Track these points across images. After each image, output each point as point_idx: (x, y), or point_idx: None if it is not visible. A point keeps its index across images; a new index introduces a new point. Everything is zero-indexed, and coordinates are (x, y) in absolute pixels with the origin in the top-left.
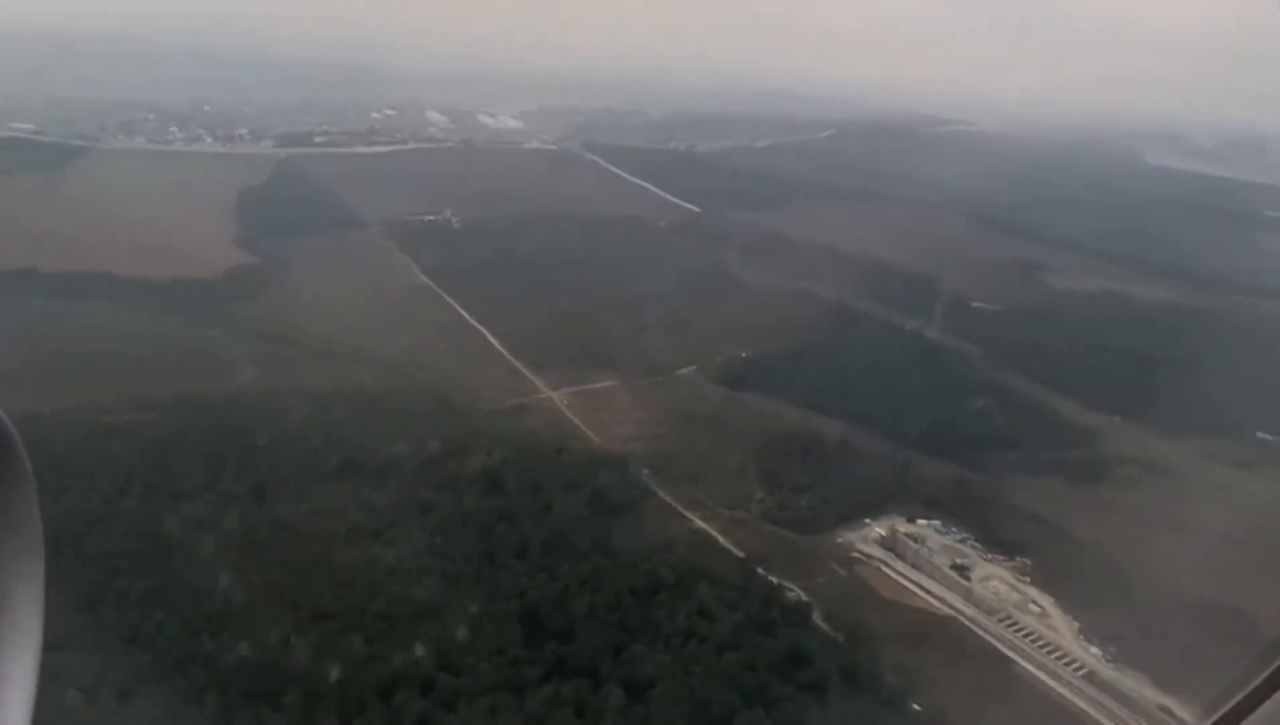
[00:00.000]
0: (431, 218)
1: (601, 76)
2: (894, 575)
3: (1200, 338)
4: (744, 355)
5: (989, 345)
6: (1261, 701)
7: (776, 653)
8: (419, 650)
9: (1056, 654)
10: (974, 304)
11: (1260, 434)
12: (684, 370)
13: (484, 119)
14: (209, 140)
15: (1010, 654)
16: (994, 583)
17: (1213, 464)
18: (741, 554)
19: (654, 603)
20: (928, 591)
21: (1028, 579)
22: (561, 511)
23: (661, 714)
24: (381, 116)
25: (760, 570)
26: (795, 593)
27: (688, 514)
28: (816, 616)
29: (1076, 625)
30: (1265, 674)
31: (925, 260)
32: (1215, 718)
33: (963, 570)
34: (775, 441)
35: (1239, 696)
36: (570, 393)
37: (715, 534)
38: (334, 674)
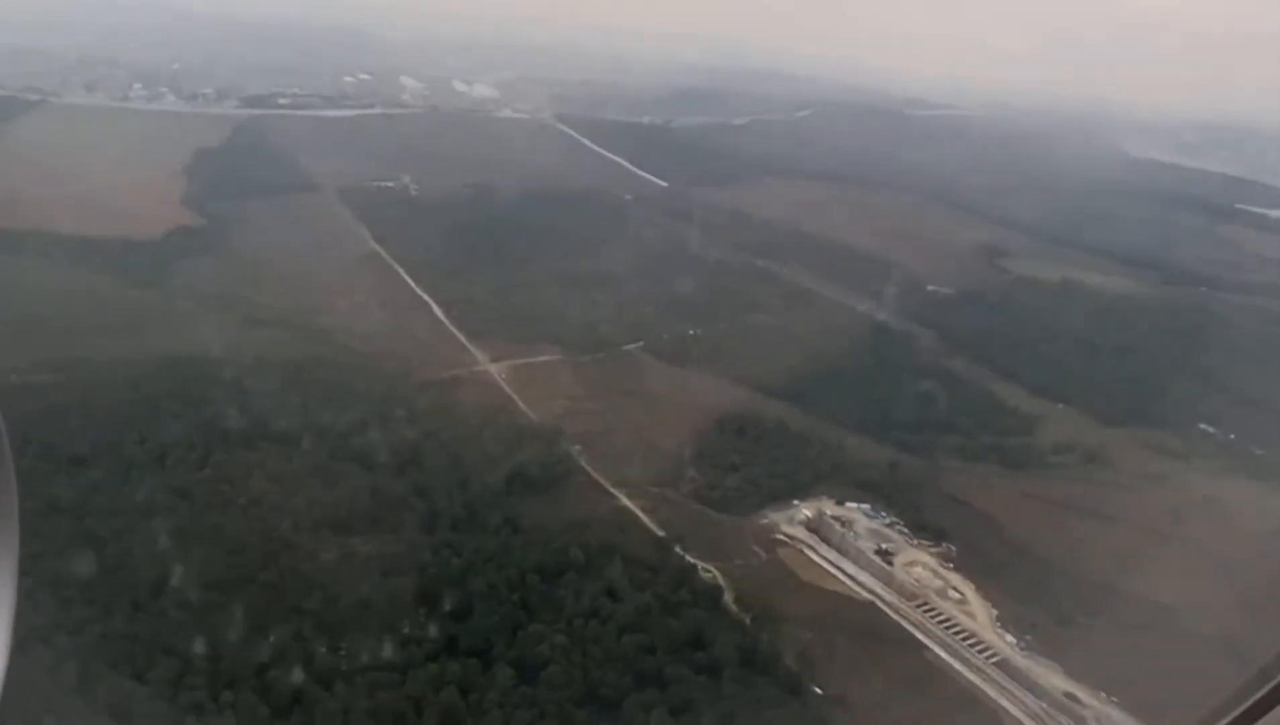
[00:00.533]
0: (389, 184)
1: (591, 50)
2: (816, 558)
3: (1153, 328)
4: (692, 332)
5: (940, 329)
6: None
7: (679, 635)
8: (300, 626)
9: (971, 641)
10: (929, 287)
11: (1203, 426)
12: (630, 346)
13: (459, 86)
14: (171, 98)
15: (924, 640)
16: (917, 568)
17: (1151, 454)
18: (662, 533)
19: (560, 582)
20: (848, 575)
21: (951, 565)
22: (478, 487)
23: (549, 695)
24: (354, 81)
25: (678, 550)
26: (711, 574)
27: (613, 491)
28: (728, 598)
29: (995, 613)
30: (1263, 690)
31: (886, 242)
32: None
33: (886, 555)
34: (713, 420)
35: (1237, 712)
36: (510, 366)
37: (638, 512)
38: (203, 648)
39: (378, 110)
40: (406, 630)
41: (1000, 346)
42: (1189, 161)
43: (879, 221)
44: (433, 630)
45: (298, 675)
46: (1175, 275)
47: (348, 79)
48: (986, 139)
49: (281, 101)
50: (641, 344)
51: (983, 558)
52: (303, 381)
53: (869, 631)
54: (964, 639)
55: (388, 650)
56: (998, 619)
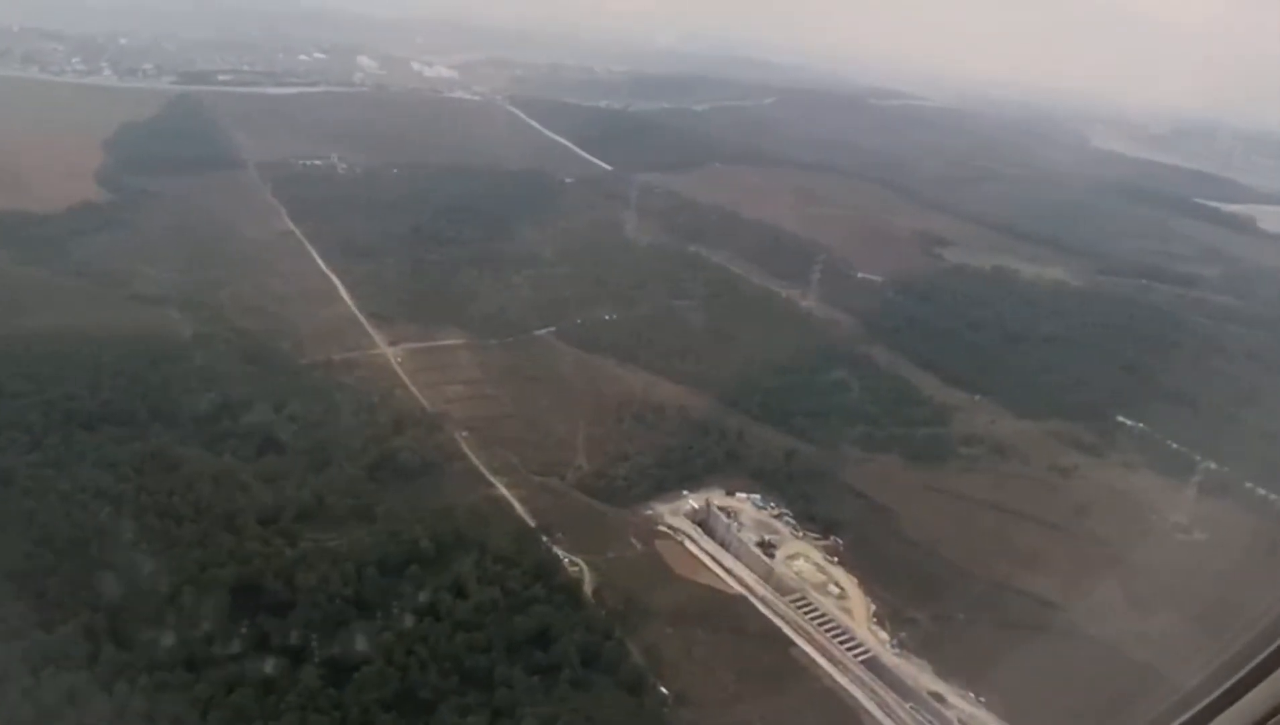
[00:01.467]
0: (317, 162)
1: (572, 35)
2: (695, 550)
3: (1081, 319)
4: (608, 318)
5: (863, 317)
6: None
7: (522, 633)
8: (91, 620)
9: (842, 638)
10: (860, 275)
11: (1121, 418)
12: (542, 331)
13: (418, 66)
14: (108, 73)
15: (792, 636)
16: (799, 561)
17: (1062, 447)
18: (534, 524)
19: (403, 575)
20: (725, 569)
21: (836, 559)
22: (336, 474)
23: (356, 699)
24: (310, 59)
25: (546, 542)
26: (578, 567)
27: (492, 480)
28: (588, 593)
29: (873, 608)
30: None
31: (824, 229)
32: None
33: (769, 547)
34: (614, 407)
35: (1235, 678)
36: (410, 349)
37: (514, 502)
38: None
39: (321, 88)
40: (210, 627)
41: (922, 335)
42: (1154, 155)
43: (821, 208)
44: (243, 627)
45: (69, 675)
46: (1114, 267)
47: (302, 57)
48: (951, 129)
49: (221, 78)
50: (554, 329)
51: (871, 551)
52: (173, 362)
53: (734, 627)
54: (835, 635)
55: (187, 647)
56: (875, 615)
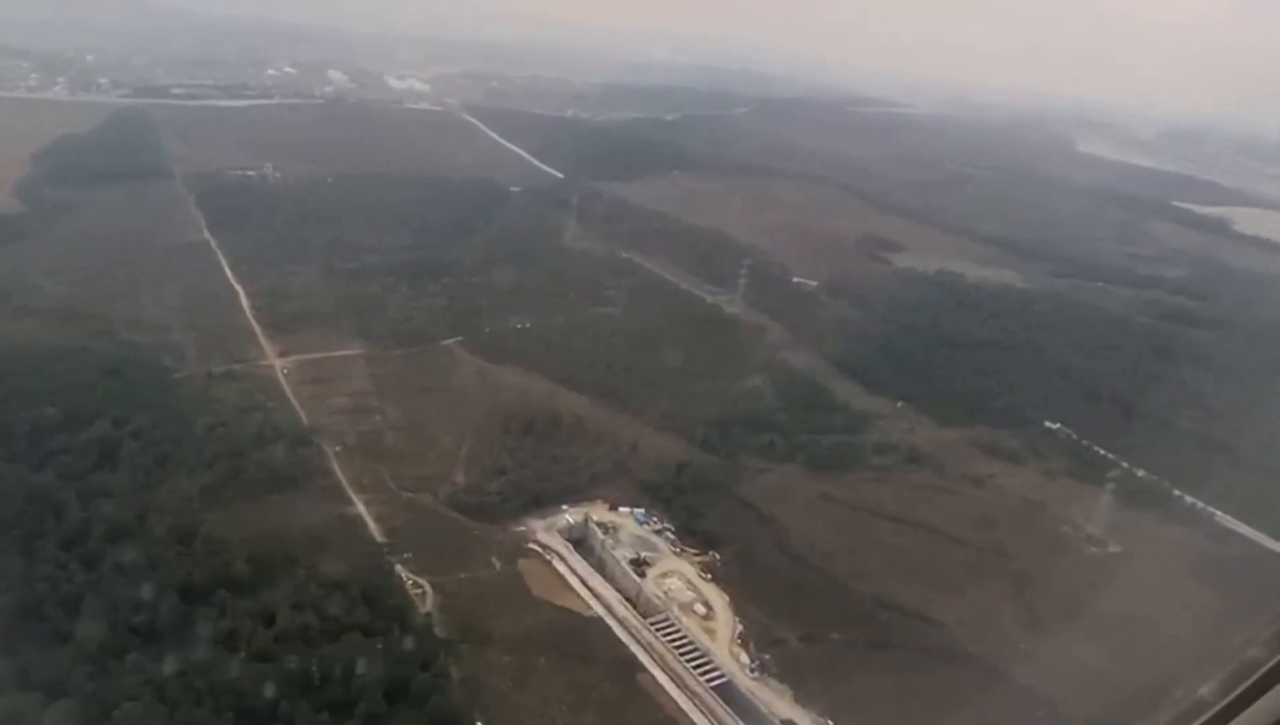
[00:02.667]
0: (250, 173)
1: (559, 48)
2: (562, 570)
3: (1023, 322)
4: (520, 327)
5: (792, 322)
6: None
7: (326, 663)
8: None
9: (699, 662)
10: (796, 280)
11: (1049, 423)
12: (449, 340)
13: (390, 80)
14: (58, 88)
15: (643, 661)
16: (671, 579)
17: (980, 455)
18: (384, 543)
19: (209, 602)
20: (590, 589)
21: (710, 576)
22: (170, 493)
23: None
24: (279, 73)
25: (391, 563)
26: (421, 589)
27: (353, 497)
28: (423, 619)
29: (739, 629)
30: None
31: (769, 234)
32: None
33: (641, 565)
34: (507, 418)
35: (1239, 690)
36: (300, 360)
37: (369, 520)
38: None
39: (275, 100)
40: None
41: (849, 340)
42: (1139, 159)
43: (773, 215)
44: (6, 662)
45: None
46: (1071, 269)
47: (271, 72)
48: (930, 135)
49: (175, 92)
50: (461, 338)
51: (751, 567)
52: (25, 375)
53: (582, 653)
54: (691, 659)
55: None
56: (740, 636)
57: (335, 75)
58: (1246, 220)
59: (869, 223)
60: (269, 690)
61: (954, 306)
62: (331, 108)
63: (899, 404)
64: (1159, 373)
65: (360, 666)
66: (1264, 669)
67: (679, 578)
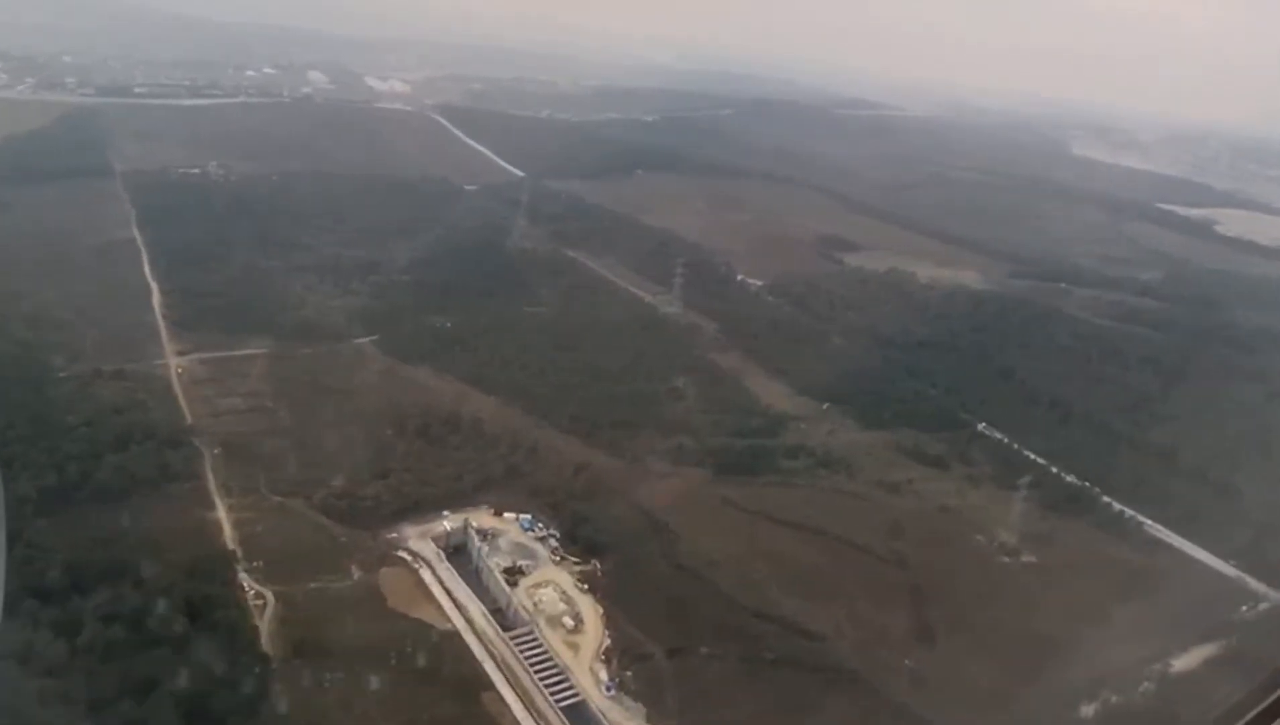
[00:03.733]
0: (193, 171)
1: (570, 54)
2: (428, 579)
3: (970, 323)
4: (443, 325)
5: (728, 322)
6: None
7: (120, 681)
8: None
9: (554, 680)
10: (741, 279)
11: (982, 427)
12: (362, 339)
13: (371, 81)
14: (22, 87)
15: (494, 680)
16: (545, 590)
17: (904, 458)
18: (236, 551)
19: (16, 612)
20: (454, 600)
21: (587, 586)
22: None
23: None
24: (257, 74)
25: (239, 571)
26: (263, 600)
27: (217, 501)
28: (250, 632)
29: (606, 644)
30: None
31: (724, 234)
32: None
33: (515, 574)
34: (404, 420)
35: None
36: (201, 359)
37: (228, 526)
38: None
39: (240, 100)
40: None
41: (784, 340)
42: (1133, 162)
43: (733, 214)
44: None
45: None
46: (1033, 270)
47: (250, 73)
48: (918, 138)
49: (138, 90)
50: (376, 337)
51: (634, 576)
52: None
53: (426, 670)
54: (546, 676)
55: None
56: (605, 651)
57: (315, 76)
58: (1232, 222)
59: (833, 223)
60: (43, 711)
61: (898, 306)
62: (297, 107)
63: (825, 406)
64: (1105, 376)
65: (159, 684)
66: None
67: (554, 588)
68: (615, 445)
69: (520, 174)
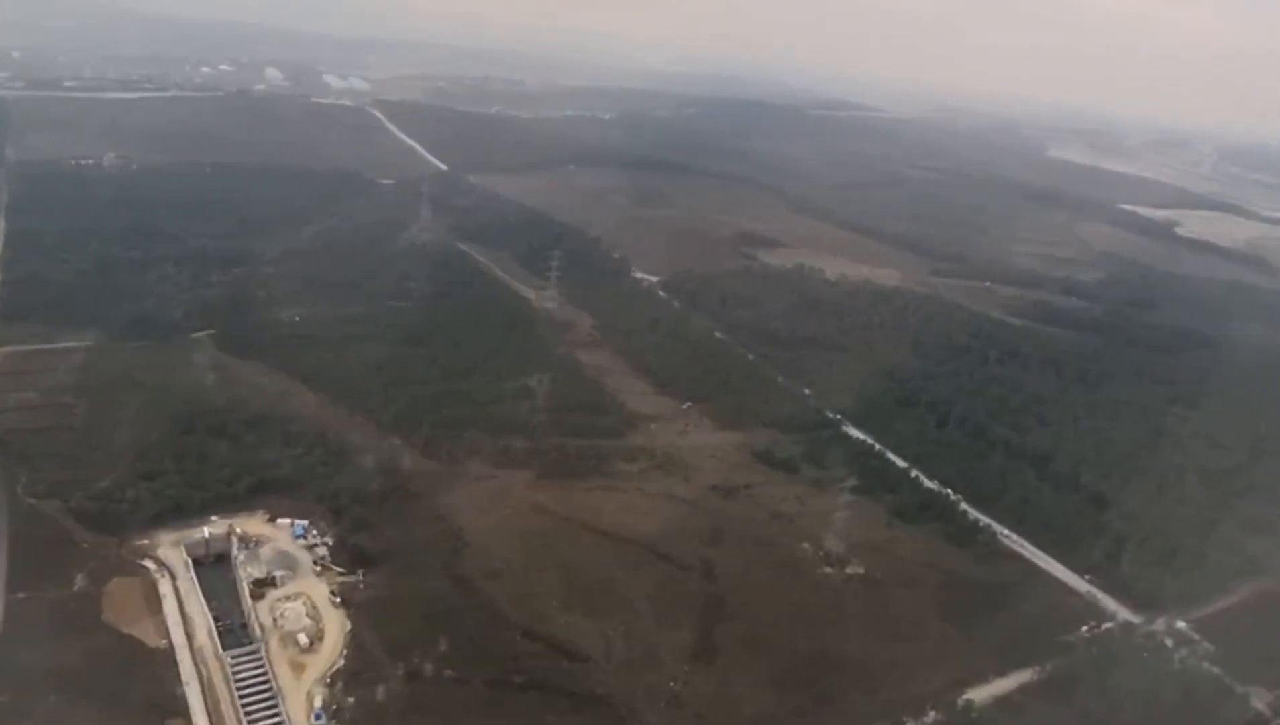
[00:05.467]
0: (87, 161)
1: (568, 56)
2: (164, 590)
3: (866, 320)
4: (293, 319)
5: (607, 318)
6: None
7: None
8: None
9: (261, 705)
10: (636, 275)
11: (847, 428)
12: (200, 333)
13: (329, 79)
14: None
15: (192, 704)
16: (292, 604)
17: (752, 461)
18: None
19: None
20: (184, 614)
21: (340, 600)
22: None
23: None
24: (212, 70)
25: None
26: None
27: None
28: None
29: (340, 664)
30: None
31: (633, 230)
32: None
33: (265, 586)
34: (204, 418)
35: None
36: (11, 352)
37: None
38: None
39: (171, 94)
40: None
41: (660, 338)
42: (1112, 164)
43: (653, 210)
44: None
45: None
46: (959, 268)
47: (205, 69)
48: (889, 138)
49: (67, 84)
50: (213, 332)
51: (400, 589)
52: None
53: (113, 692)
54: (254, 702)
55: None
56: (334, 674)
57: (272, 73)
58: (1195, 224)
59: (764, 221)
60: None
61: (792, 303)
62: (230, 101)
63: (687, 405)
64: (998, 377)
65: None
66: None
67: (304, 601)
68: (436, 446)
69: (444, 168)
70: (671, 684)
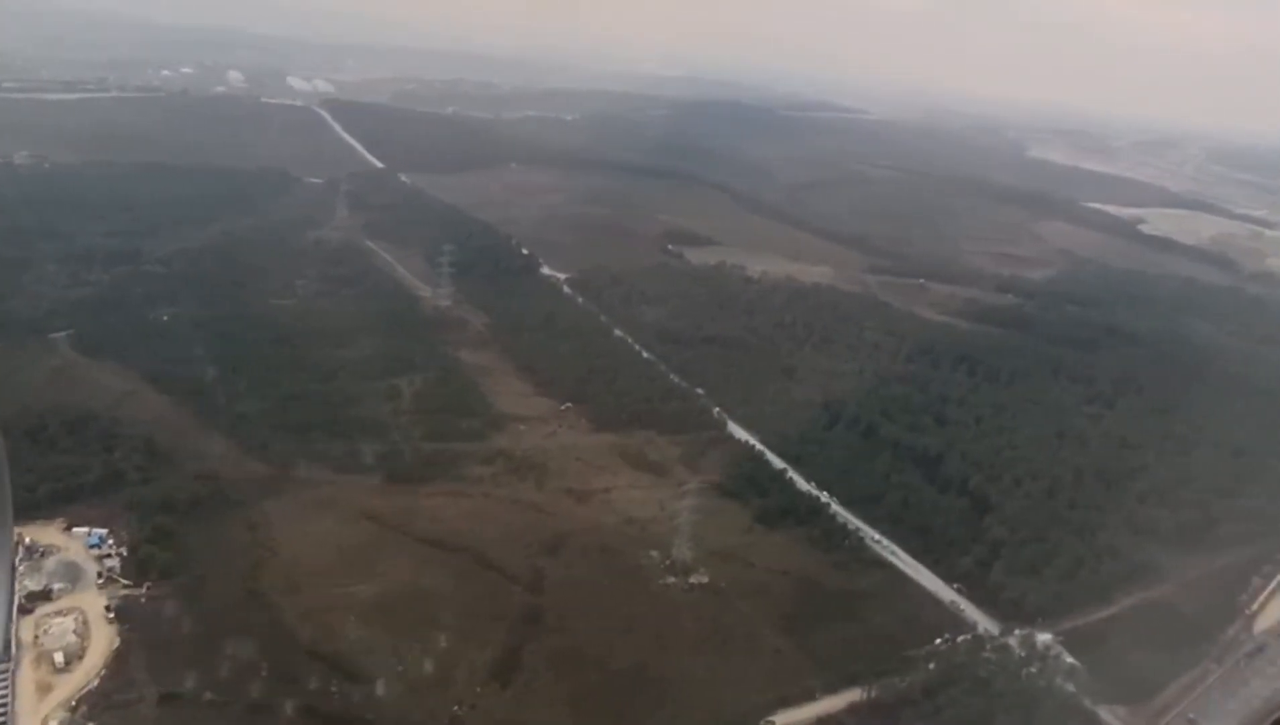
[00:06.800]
0: None
1: (558, 61)
2: None
3: (779, 318)
4: (161, 319)
5: (501, 316)
6: None
7: None
8: None
9: None
10: (544, 271)
11: (731, 429)
12: (58, 334)
13: (292, 81)
14: None
15: None
16: (61, 619)
17: (621, 464)
18: None
19: None
20: None
21: (113, 615)
22: None
23: None
24: (173, 73)
25: None
26: None
27: None
28: None
29: (93, 685)
30: None
31: (557, 228)
32: None
33: (39, 600)
34: (23, 420)
35: None
36: None
37: None
38: None
39: (112, 95)
40: None
41: (550, 336)
42: (1093, 164)
43: (582, 207)
44: None
45: None
46: (898, 266)
47: (166, 72)
48: (861, 138)
49: (6, 85)
50: (71, 332)
51: (183, 604)
52: None
53: None
54: None
55: None
56: (84, 696)
57: (234, 75)
58: (1163, 222)
59: (702, 219)
60: None
61: (703, 301)
62: (171, 101)
63: (566, 406)
64: (902, 374)
65: None
66: None
67: (75, 616)
68: (277, 450)
69: (380, 166)
70: (456, 708)
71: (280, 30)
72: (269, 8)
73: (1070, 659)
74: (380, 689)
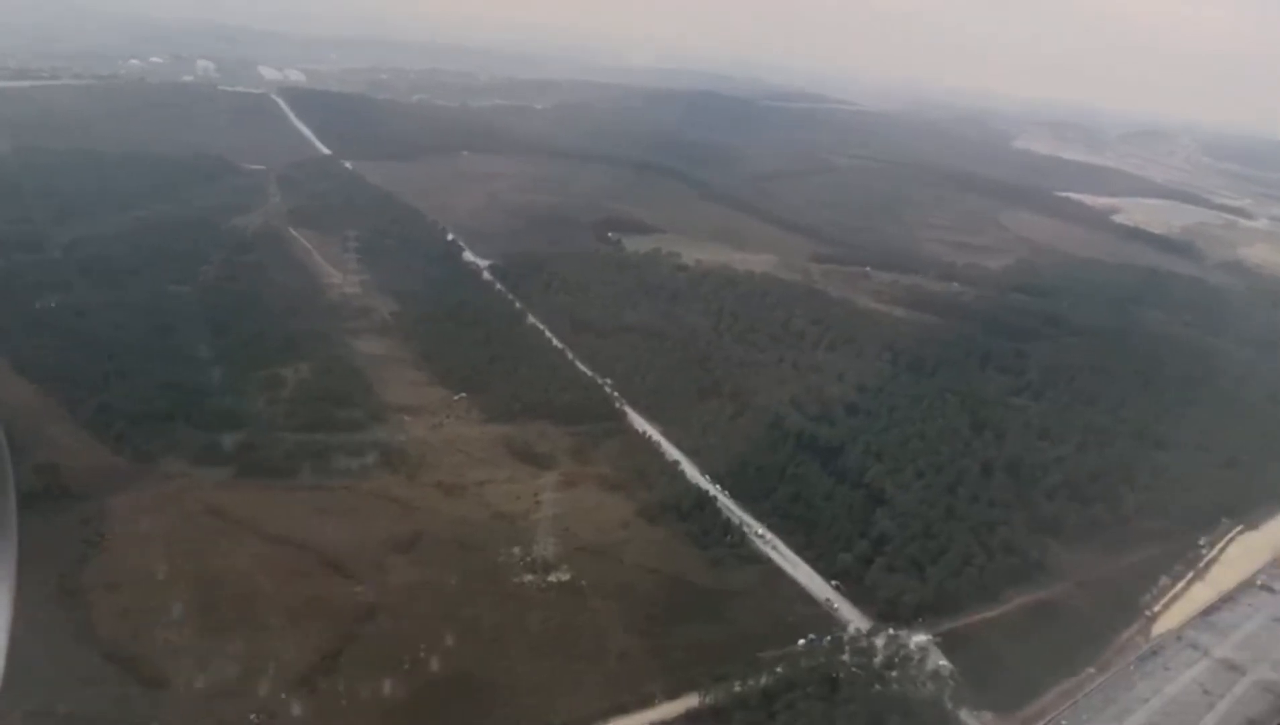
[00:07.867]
0: None
1: (551, 53)
2: None
3: (713, 306)
4: (44, 306)
5: (413, 303)
6: None
7: None
8: None
9: None
10: (466, 257)
11: (634, 419)
12: None
13: (263, 71)
14: None
15: None
16: None
17: (506, 456)
18: None
19: None
20: None
21: None
22: None
23: None
24: (141, 62)
25: None
26: None
27: None
28: None
29: None
30: None
31: (493, 215)
32: None
33: None
34: None
35: None
36: None
37: None
38: None
39: (62, 82)
40: None
41: (456, 325)
42: (1078, 156)
43: (524, 195)
44: None
45: None
46: (845, 254)
47: (134, 61)
48: (840, 129)
49: None
50: None
51: (18, 601)
52: None
53: None
54: None
55: None
56: None
57: (203, 65)
58: (1136, 211)
59: (651, 207)
60: None
61: (628, 289)
62: (120, 88)
63: (460, 396)
64: (821, 363)
65: None
66: None
67: None
68: (132, 440)
69: (327, 153)
70: (252, 716)
71: (282, 27)
72: (269, 6)
73: (943, 661)
74: (174, 695)
